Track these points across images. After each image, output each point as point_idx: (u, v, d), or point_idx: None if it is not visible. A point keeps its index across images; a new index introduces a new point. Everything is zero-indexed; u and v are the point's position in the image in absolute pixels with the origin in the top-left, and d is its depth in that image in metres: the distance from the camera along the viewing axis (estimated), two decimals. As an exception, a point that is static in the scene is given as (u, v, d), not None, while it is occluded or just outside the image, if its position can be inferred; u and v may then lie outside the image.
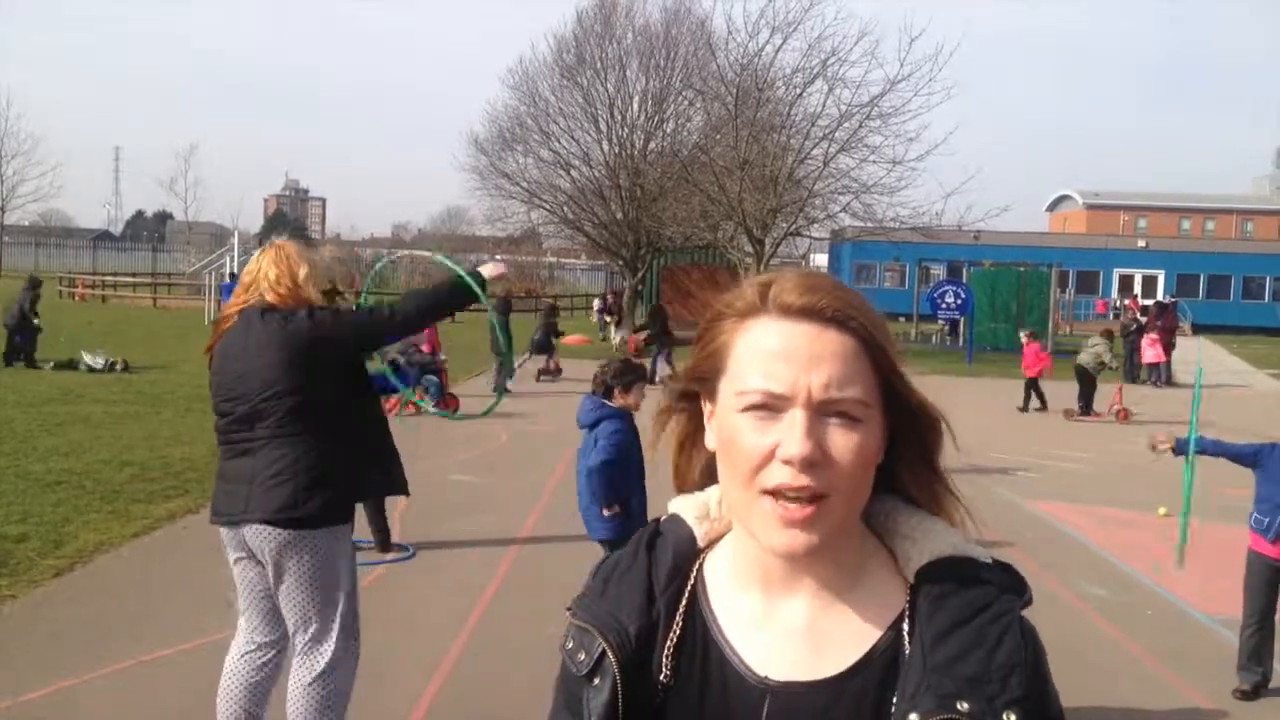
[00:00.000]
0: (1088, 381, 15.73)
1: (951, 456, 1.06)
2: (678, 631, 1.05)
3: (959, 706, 0.90)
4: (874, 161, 22.99)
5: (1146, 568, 7.31)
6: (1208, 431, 5.92)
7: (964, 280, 27.94)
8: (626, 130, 29.54)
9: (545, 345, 18.53)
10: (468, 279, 3.64)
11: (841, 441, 0.94)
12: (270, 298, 3.48)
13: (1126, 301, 33.41)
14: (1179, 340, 23.43)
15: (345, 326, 3.50)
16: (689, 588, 1.08)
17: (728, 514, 1.09)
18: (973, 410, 13.97)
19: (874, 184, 23.04)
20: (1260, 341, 34.88)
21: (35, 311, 16.67)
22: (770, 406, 0.95)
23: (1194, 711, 4.96)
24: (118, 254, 64.97)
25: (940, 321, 27.86)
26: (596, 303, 32.80)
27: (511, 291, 30.09)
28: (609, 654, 1.04)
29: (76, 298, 35.59)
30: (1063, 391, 16.28)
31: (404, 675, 4.88)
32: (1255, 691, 5.05)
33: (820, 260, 40.11)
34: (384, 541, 6.88)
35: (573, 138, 30.07)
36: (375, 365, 5.61)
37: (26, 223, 71.56)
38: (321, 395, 3.42)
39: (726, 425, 0.99)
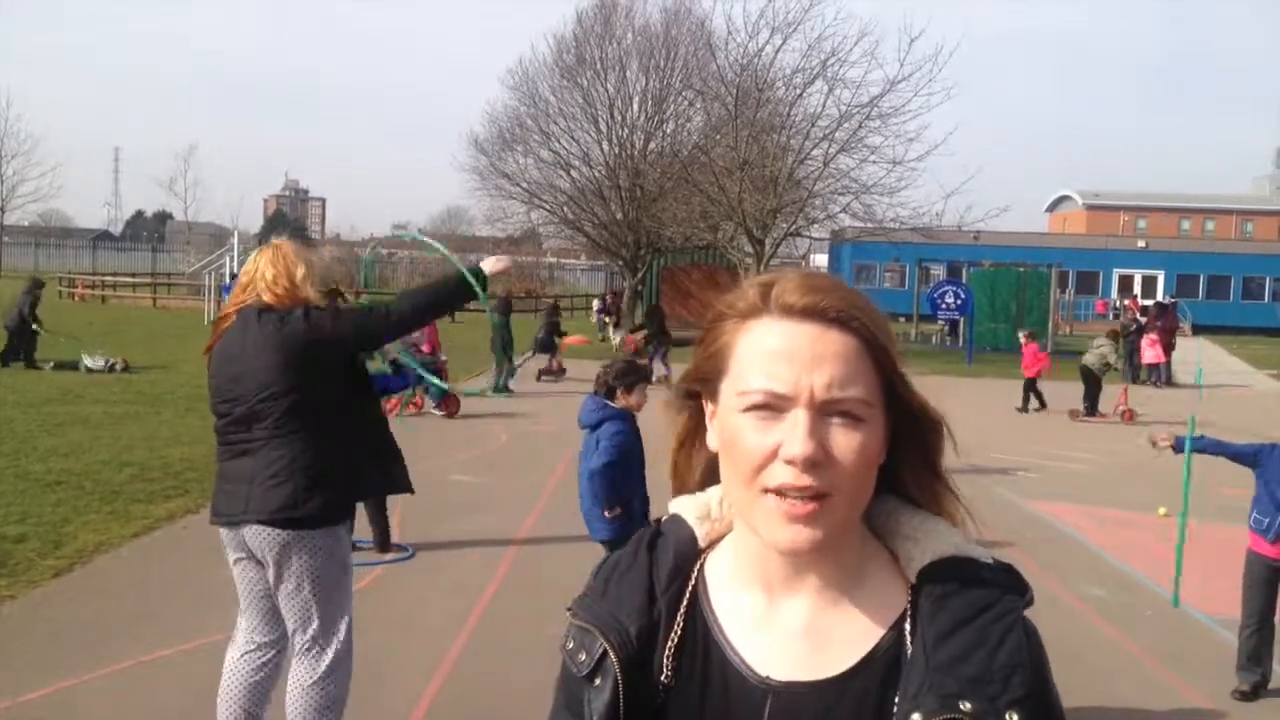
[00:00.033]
0: (1093, 382, 15.67)
1: (951, 457, 1.06)
2: (679, 632, 1.05)
3: (961, 706, 0.90)
4: (874, 162, 23.05)
5: (1147, 568, 7.31)
6: (1208, 431, 5.93)
7: (964, 280, 27.94)
8: (626, 130, 29.55)
9: (548, 344, 18.53)
10: (468, 275, 3.64)
11: (844, 441, 0.94)
12: (267, 298, 3.48)
13: (1126, 302, 33.33)
14: (1179, 341, 23.43)
15: (343, 326, 3.48)
16: (690, 588, 1.08)
17: (730, 513, 1.09)
18: (972, 410, 13.97)
19: (874, 184, 23.08)
20: (1260, 342, 34.87)
21: (35, 316, 16.53)
22: (773, 406, 0.95)
23: (1194, 712, 4.95)
24: (117, 254, 64.84)
25: (940, 322, 27.88)
26: (596, 303, 32.80)
27: (512, 291, 30.07)
28: (610, 654, 1.04)
29: (76, 298, 35.60)
30: (1063, 391, 16.28)
31: (404, 675, 4.88)
32: (1254, 692, 5.05)
33: (820, 261, 40.11)
34: (383, 541, 6.88)
35: (573, 138, 30.10)
36: (376, 365, 5.61)
37: (26, 223, 71.64)
38: (320, 395, 3.42)
39: (729, 425, 0.98)
